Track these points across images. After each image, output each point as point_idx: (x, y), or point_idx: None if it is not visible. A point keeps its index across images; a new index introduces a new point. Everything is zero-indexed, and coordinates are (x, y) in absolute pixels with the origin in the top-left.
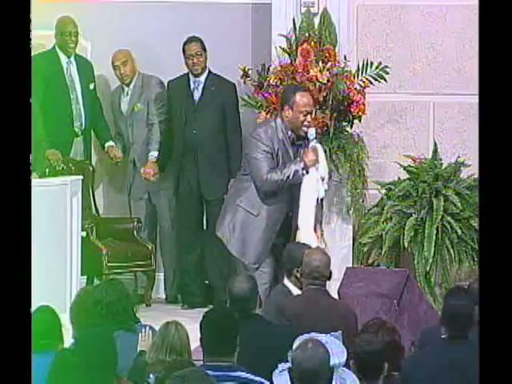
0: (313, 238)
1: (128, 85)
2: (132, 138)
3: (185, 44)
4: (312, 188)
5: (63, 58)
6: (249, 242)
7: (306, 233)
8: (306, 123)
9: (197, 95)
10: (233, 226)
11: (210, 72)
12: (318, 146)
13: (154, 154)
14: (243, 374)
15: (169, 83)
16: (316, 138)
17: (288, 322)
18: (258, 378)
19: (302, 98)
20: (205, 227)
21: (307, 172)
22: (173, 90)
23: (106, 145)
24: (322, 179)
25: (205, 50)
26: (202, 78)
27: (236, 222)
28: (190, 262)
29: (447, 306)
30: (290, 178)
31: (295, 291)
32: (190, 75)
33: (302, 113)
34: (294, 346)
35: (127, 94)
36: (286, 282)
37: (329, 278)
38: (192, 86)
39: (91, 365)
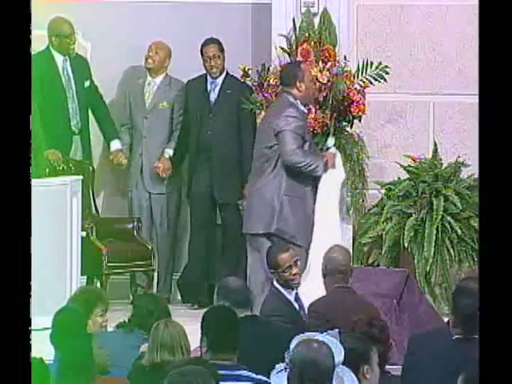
0: (338, 235)
1: (153, 75)
2: (145, 131)
3: (203, 46)
4: (331, 187)
5: (58, 58)
6: (301, 227)
7: (328, 229)
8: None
9: (213, 97)
10: (286, 217)
11: (227, 74)
12: (338, 153)
13: (169, 151)
14: (245, 373)
15: (187, 83)
16: (335, 145)
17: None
18: (260, 377)
19: (308, 68)
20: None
21: (325, 171)
22: (190, 91)
23: (112, 145)
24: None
25: (223, 51)
26: (220, 80)
27: (288, 212)
28: (201, 262)
29: (462, 306)
30: (311, 167)
31: (284, 292)
32: (208, 76)
33: (313, 81)
34: (294, 346)
35: (149, 85)
36: (275, 283)
37: (351, 274)
38: (209, 87)
39: (67, 366)
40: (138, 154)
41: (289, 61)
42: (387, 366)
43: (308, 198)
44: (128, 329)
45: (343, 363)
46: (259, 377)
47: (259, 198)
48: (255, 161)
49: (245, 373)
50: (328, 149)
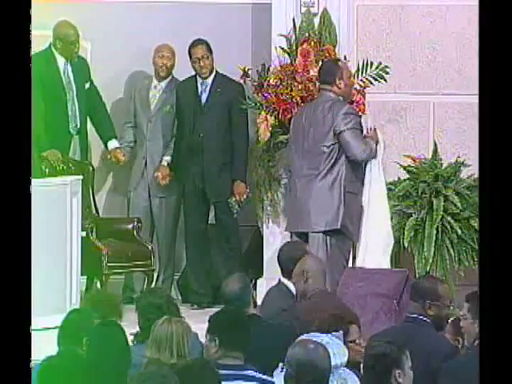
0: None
1: (160, 80)
2: (149, 134)
3: (190, 47)
4: (380, 173)
5: (60, 60)
6: (356, 221)
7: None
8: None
9: (204, 97)
10: (349, 213)
11: (217, 73)
12: (376, 129)
13: (167, 158)
14: (252, 373)
15: (177, 86)
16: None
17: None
18: (266, 377)
19: (346, 66)
20: (209, 228)
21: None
22: (181, 93)
23: (110, 144)
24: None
25: (211, 52)
26: (210, 80)
27: (349, 208)
28: (197, 262)
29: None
30: (372, 153)
31: (291, 288)
32: (198, 77)
33: (350, 79)
34: (291, 347)
35: (155, 88)
36: (285, 280)
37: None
38: (200, 88)
39: (101, 369)
40: (140, 156)
41: (325, 60)
42: None
43: (360, 193)
44: (141, 339)
45: (373, 368)
46: (265, 377)
47: (319, 195)
48: (303, 159)
49: (251, 373)
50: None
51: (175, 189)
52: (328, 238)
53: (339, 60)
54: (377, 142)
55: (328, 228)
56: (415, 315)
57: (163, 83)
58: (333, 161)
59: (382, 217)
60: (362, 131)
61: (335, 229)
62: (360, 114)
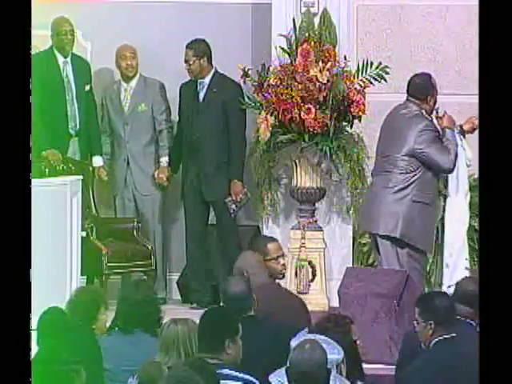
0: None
1: (128, 81)
2: (128, 136)
3: None
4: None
5: (60, 59)
6: (426, 231)
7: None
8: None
9: (201, 96)
10: (412, 222)
11: (216, 72)
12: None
13: (165, 159)
14: (228, 371)
15: (180, 87)
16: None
17: None
18: (242, 375)
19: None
20: (209, 228)
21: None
22: (183, 92)
23: (94, 160)
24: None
25: (201, 56)
26: (207, 80)
27: (415, 217)
28: (197, 262)
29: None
30: (456, 156)
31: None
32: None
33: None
34: (292, 350)
35: (125, 91)
36: None
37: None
38: (198, 87)
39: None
40: (121, 159)
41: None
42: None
43: (434, 204)
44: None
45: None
46: (241, 375)
47: (385, 200)
48: (379, 163)
49: (227, 371)
50: (443, 114)
51: (160, 186)
52: (397, 246)
53: (431, 76)
54: (454, 124)
55: (387, 234)
56: (467, 320)
57: (132, 83)
58: (404, 171)
59: (460, 223)
60: (440, 140)
61: (395, 236)
62: (436, 131)
